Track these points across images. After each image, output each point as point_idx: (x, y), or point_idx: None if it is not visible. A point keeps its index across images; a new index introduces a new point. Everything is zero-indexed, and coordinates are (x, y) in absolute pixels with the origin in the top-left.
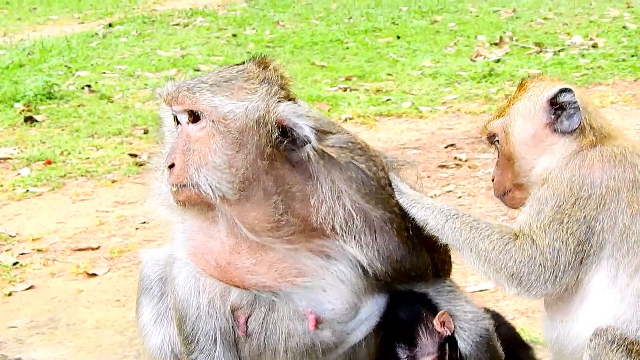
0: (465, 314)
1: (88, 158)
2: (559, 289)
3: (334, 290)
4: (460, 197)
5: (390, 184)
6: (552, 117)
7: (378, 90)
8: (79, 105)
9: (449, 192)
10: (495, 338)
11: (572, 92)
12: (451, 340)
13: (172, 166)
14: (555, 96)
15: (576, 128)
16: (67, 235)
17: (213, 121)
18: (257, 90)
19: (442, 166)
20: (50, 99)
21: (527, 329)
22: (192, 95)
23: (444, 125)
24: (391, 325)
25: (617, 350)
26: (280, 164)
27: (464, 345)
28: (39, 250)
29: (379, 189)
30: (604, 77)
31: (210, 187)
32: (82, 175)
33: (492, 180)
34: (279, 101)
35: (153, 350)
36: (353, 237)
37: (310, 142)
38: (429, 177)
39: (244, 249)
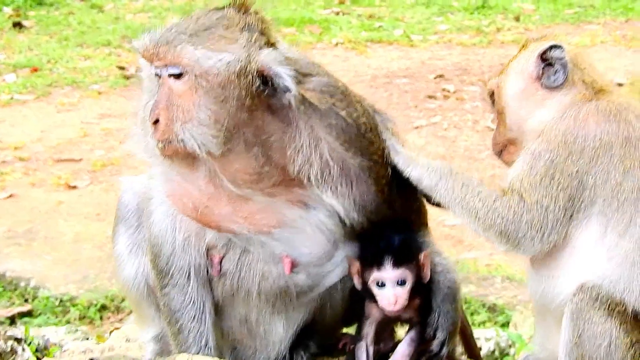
0: (436, 266)
1: (75, 67)
2: (547, 246)
3: (311, 237)
4: (446, 129)
5: (371, 130)
6: (541, 72)
7: (370, 16)
8: (69, 13)
9: (435, 123)
10: (460, 291)
11: (562, 48)
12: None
13: (156, 121)
14: (545, 52)
15: (561, 84)
16: (51, 144)
17: (196, 76)
18: (238, 39)
19: (430, 97)
20: (40, 5)
21: (505, 265)
22: (173, 49)
23: (435, 56)
24: (376, 245)
25: (599, 308)
26: (260, 114)
27: (432, 296)
28: (21, 159)
29: (359, 137)
30: (595, 15)
31: (196, 142)
32: (68, 85)
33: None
34: (259, 49)
35: (127, 280)
36: (329, 187)
37: (290, 91)
38: (416, 106)
39: (223, 198)
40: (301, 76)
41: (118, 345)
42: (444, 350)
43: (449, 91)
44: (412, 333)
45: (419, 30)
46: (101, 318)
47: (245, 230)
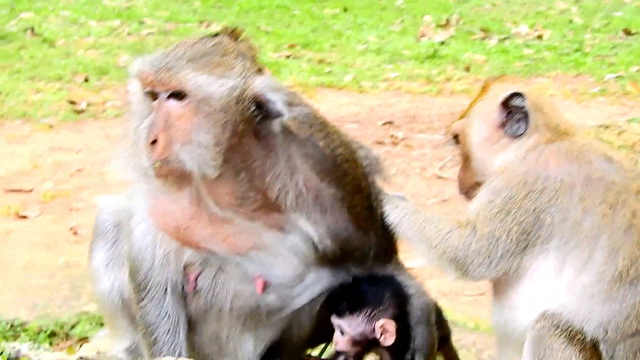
0: (410, 288)
1: (26, 101)
2: (495, 274)
3: (286, 259)
4: (393, 174)
5: (347, 161)
6: (504, 119)
7: (321, 61)
8: (20, 47)
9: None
10: (433, 315)
11: (523, 97)
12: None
13: (154, 142)
14: (507, 100)
15: (523, 133)
16: (1, 175)
17: (198, 100)
18: (234, 66)
19: (379, 143)
20: None
21: (449, 310)
22: (175, 75)
23: (384, 102)
24: (346, 290)
25: (560, 335)
26: (248, 139)
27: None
28: None
29: (335, 167)
30: (546, 69)
31: (195, 164)
32: (19, 118)
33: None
34: (254, 75)
35: (103, 293)
36: (304, 214)
37: (282, 116)
38: None
39: (204, 218)
40: (289, 106)
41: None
42: None
43: (397, 138)
44: None
45: (368, 77)
46: (51, 344)
47: (223, 251)
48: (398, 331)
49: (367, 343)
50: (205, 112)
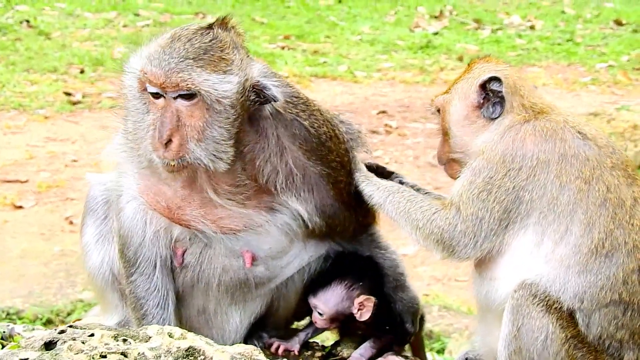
0: (385, 260)
1: (22, 92)
2: (480, 253)
3: (275, 237)
4: (387, 163)
5: (331, 139)
6: (481, 101)
7: (315, 52)
8: (16, 39)
9: (377, 157)
10: (408, 282)
11: (500, 81)
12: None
13: (168, 142)
14: (485, 83)
15: (498, 116)
16: None
17: (210, 99)
18: (234, 59)
19: (373, 132)
20: None
21: (442, 295)
22: (186, 76)
23: (378, 92)
24: (330, 268)
25: (538, 304)
26: (243, 126)
27: (387, 290)
28: None
29: (320, 146)
30: (538, 58)
31: (212, 160)
32: (14, 109)
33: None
34: (248, 64)
35: (93, 268)
36: (293, 193)
37: (278, 101)
38: None
39: (196, 201)
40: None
41: None
42: (412, 329)
43: (391, 127)
44: (371, 342)
45: (363, 67)
46: None
47: (212, 232)
48: (376, 305)
49: (345, 319)
50: (216, 109)
